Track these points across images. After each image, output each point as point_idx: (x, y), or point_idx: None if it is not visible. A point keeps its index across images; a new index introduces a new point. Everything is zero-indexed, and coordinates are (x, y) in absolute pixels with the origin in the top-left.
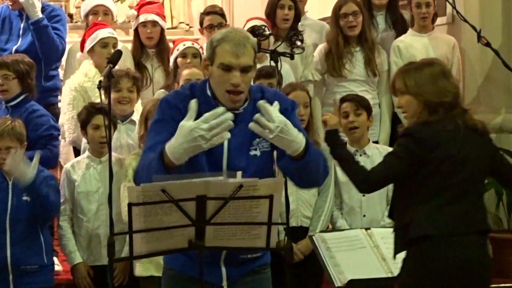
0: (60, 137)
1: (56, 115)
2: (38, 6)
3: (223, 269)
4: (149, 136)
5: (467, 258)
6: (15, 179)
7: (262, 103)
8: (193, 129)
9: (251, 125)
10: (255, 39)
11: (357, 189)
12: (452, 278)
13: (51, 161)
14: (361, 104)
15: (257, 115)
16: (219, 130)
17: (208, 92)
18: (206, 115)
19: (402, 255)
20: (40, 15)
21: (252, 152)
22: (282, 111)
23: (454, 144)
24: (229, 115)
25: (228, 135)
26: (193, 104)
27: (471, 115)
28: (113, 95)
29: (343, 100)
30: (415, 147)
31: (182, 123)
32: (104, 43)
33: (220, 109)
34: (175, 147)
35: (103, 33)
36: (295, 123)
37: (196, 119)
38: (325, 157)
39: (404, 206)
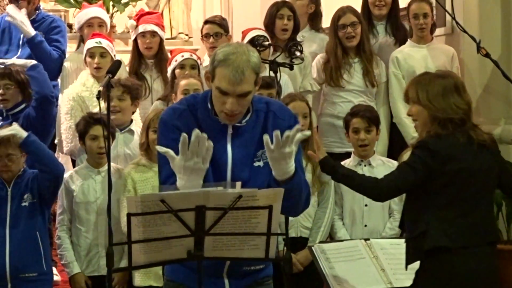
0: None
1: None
2: (28, 24)
3: (226, 281)
4: (160, 165)
5: (481, 270)
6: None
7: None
8: (185, 166)
9: (265, 137)
10: (257, 61)
11: (371, 198)
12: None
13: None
14: (372, 120)
15: (277, 133)
16: (204, 151)
17: (209, 105)
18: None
19: (414, 265)
20: (33, 32)
21: (256, 164)
22: (287, 127)
23: (467, 157)
24: (202, 136)
25: (211, 144)
26: (183, 139)
27: (481, 129)
28: (103, 104)
29: (352, 114)
30: (430, 159)
31: (174, 164)
32: (90, 53)
33: (194, 134)
34: (185, 185)
35: (90, 43)
36: None
37: (197, 126)
38: (309, 190)
39: (417, 216)
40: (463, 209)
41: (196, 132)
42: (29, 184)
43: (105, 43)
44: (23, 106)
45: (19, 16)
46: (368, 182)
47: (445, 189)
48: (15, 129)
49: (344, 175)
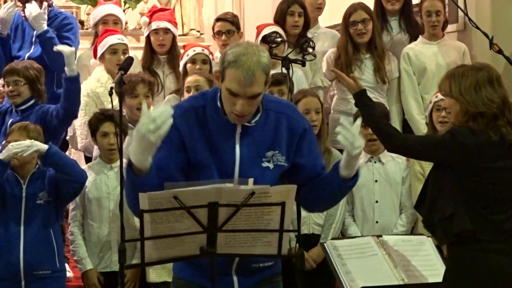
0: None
1: None
2: (43, 19)
3: (235, 278)
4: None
5: (504, 265)
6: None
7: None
8: (138, 128)
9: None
10: (268, 62)
11: (385, 145)
12: (493, 284)
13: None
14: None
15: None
16: (161, 120)
17: (218, 103)
18: (148, 112)
19: (430, 261)
20: (45, 28)
21: (265, 164)
22: (302, 128)
23: (497, 157)
24: (168, 108)
25: (171, 121)
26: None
27: None
28: (130, 102)
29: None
30: (455, 150)
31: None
32: (113, 49)
33: (163, 105)
34: (134, 152)
35: (112, 39)
36: (314, 148)
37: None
38: None
39: (445, 198)
40: (490, 202)
41: (167, 106)
42: (46, 183)
43: (125, 40)
44: (32, 102)
45: (30, 8)
46: (392, 129)
47: (471, 180)
48: (35, 145)
49: (374, 115)
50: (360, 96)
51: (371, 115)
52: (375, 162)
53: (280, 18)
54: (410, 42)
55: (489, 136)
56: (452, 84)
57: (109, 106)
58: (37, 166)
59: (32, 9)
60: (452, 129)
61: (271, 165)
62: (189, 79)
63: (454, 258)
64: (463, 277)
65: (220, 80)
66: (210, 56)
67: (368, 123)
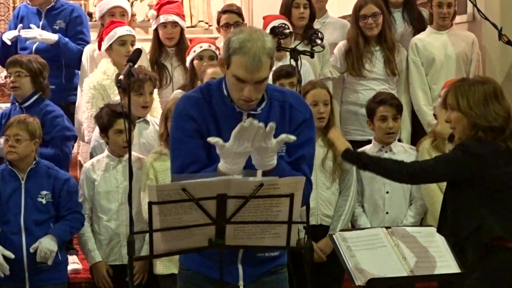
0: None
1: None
2: (45, 33)
3: (240, 268)
4: (173, 156)
5: None
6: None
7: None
8: (236, 152)
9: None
10: (272, 46)
11: (399, 180)
12: None
13: (62, 161)
14: (399, 108)
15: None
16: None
17: (225, 92)
18: (234, 134)
19: (439, 252)
20: (56, 38)
21: None
22: (303, 119)
23: (507, 162)
24: (253, 122)
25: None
26: (239, 127)
27: None
28: (136, 98)
29: (380, 102)
30: (472, 163)
31: (223, 151)
32: (122, 41)
33: (248, 121)
34: (230, 169)
35: (121, 31)
36: (309, 135)
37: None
38: (308, 188)
39: (468, 212)
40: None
41: (250, 120)
42: (51, 184)
43: (133, 32)
44: (35, 97)
45: (33, 33)
46: (396, 164)
47: (493, 187)
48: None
49: (370, 164)
50: (348, 155)
51: (370, 160)
52: (386, 152)
53: (285, 10)
54: (414, 35)
55: (498, 145)
56: (460, 98)
57: (116, 98)
58: (36, 161)
59: (26, 34)
60: (461, 144)
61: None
62: (213, 70)
63: (485, 268)
64: (495, 284)
65: (226, 67)
66: (217, 52)
67: (371, 169)
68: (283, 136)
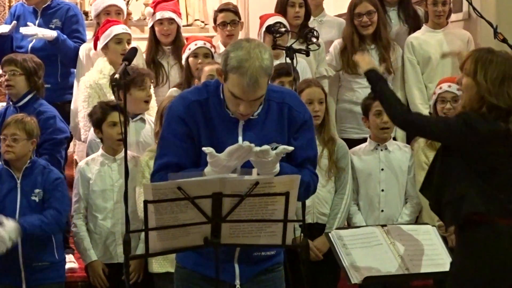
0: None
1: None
2: (44, 30)
3: (237, 267)
4: (158, 153)
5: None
6: None
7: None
8: (225, 165)
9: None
10: (269, 63)
11: (393, 120)
12: (502, 267)
13: (54, 166)
14: None
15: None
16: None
17: (222, 96)
18: (230, 150)
19: (433, 251)
20: (55, 34)
21: None
22: (302, 120)
23: (505, 144)
24: (252, 147)
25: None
26: (238, 146)
27: None
28: (138, 94)
29: (375, 97)
30: (468, 134)
31: (214, 160)
32: (118, 39)
33: (246, 144)
34: (212, 172)
35: (117, 29)
36: (309, 137)
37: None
38: (310, 186)
39: (455, 180)
40: (499, 185)
41: (246, 143)
42: (43, 182)
43: (129, 30)
44: (29, 97)
45: (33, 30)
46: (401, 107)
47: (484, 165)
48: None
49: (384, 92)
50: (372, 74)
51: (386, 90)
52: (381, 150)
53: (281, 9)
54: (409, 33)
55: (498, 125)
56: (479, 69)
57: (112, 97)
58: (31, 161)
59: (26, 31)
60: (463, 114)
61: None
62: (210, 67)
63: (464, 241)
64: (476, 259)
65: (223, 79)
66: (212, 49)
67: (380, 97)
68: (281, 148)
